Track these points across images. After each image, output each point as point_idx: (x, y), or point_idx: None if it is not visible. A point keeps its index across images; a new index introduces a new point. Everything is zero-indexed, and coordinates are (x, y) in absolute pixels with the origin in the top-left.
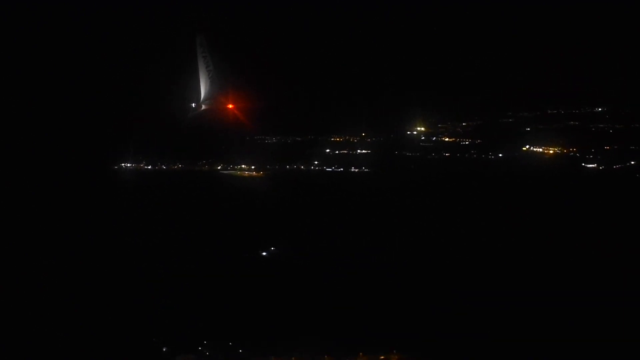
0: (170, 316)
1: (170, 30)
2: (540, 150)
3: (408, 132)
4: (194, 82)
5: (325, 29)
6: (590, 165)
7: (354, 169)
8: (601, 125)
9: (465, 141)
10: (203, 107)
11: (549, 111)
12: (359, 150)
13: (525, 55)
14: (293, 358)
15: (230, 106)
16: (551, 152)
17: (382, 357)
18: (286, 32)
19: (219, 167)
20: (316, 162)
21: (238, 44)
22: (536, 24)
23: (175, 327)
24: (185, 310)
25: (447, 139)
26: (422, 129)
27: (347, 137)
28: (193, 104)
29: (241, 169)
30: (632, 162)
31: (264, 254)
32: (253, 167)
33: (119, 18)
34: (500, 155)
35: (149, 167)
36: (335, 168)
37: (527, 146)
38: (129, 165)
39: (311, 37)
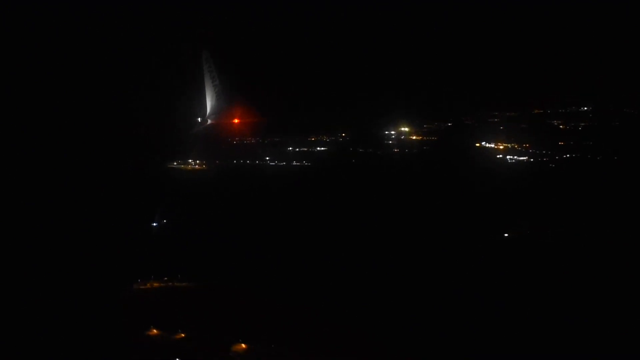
0: None
1: (177, 46)
2: (492, 145)
3: (386, 132)
4: (200, 97)
5: (325, 39)
6: (522, 158)
7: (295, 162)
8: (582, 123)
9: (431, 138)
10: (209, 121)
11: (535, 111)
12: (318, 148)
13: (518, 56)
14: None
15: (236, 121)
16: (501, 147)
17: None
18: (287, 44)
19: (174, 163)
20: (267, 158)
21: (243, 59)
22: (530, 25)
23: None
24: None
25: (414, 137)
26: (406, 129)
27: (322, 137)
28: (199, 119)
29: (186, 164)
30: (566, 156)
31: (155, 224)
32: (198, 161)
33: (127, 34)
34: (443, 151)
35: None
36: (277, 162)
37: (483, 142)
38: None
39: (311, 47)
